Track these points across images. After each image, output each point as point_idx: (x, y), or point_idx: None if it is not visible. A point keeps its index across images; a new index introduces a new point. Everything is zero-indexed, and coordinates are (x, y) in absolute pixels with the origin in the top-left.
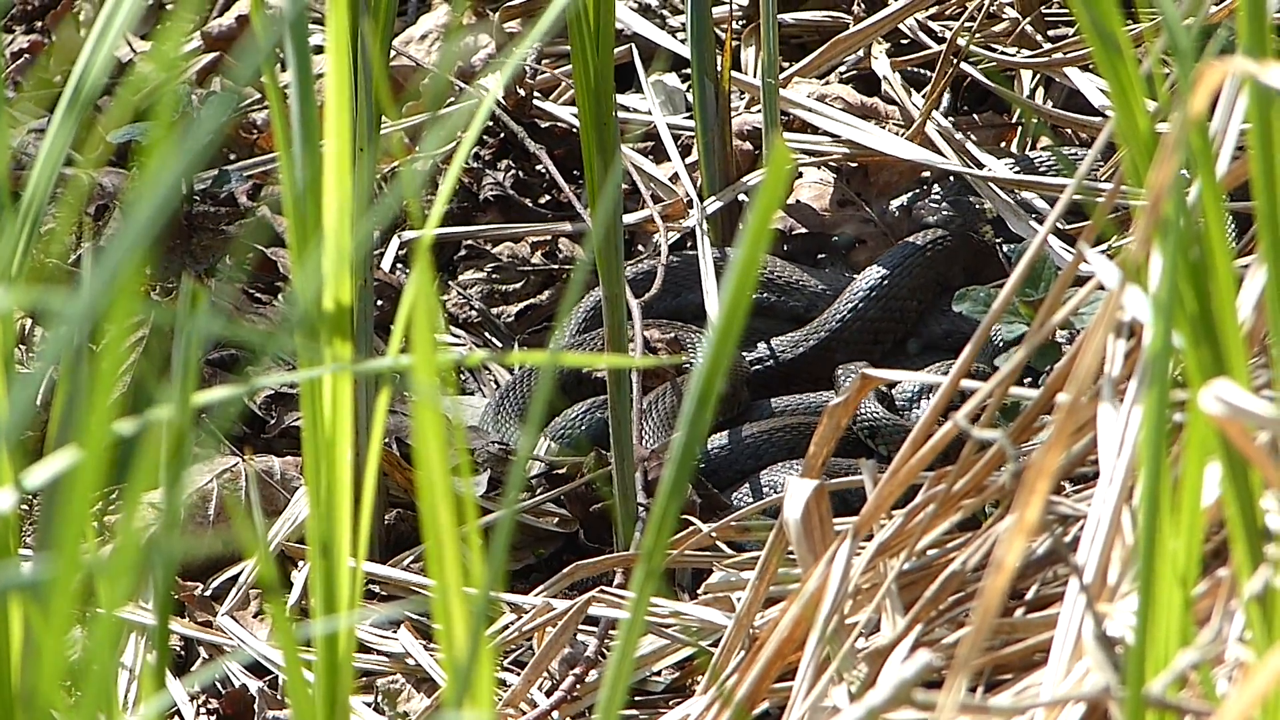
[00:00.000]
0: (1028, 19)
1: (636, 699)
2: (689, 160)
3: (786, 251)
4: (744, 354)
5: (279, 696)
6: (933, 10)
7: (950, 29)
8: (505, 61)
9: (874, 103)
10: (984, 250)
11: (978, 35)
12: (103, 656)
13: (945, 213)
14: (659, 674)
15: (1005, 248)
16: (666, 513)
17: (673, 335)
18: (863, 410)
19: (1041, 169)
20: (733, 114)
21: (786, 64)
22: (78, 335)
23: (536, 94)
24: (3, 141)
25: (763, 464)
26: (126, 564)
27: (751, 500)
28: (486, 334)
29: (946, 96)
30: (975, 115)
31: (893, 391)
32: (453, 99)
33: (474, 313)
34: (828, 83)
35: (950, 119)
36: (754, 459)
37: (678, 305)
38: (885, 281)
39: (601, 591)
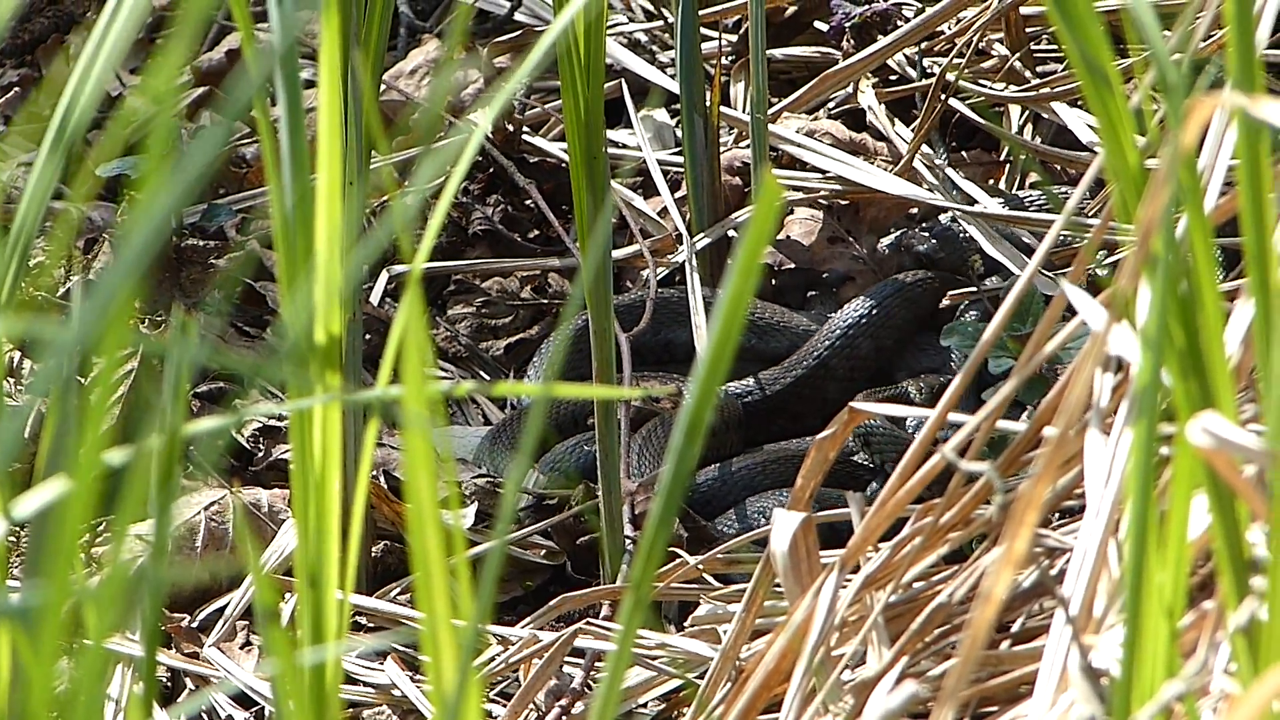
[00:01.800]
0: (1016, 55)
1: None
2: (678, 195)
3: (775, 286)
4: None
5: None
6: (922, 46)
7: (939, 65)
8: (494, 96)
9: (863, 138)
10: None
11: (966, 71)
12: (91, 687)
13: (934, 242)
14: (645, 706)
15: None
16: (654, 545)
17: (675, 388)
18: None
19: (1030, 209)
20: (722, 149)
21: (775, 99)
22: (67, 366)
23: (526, 129)
24: None
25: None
26: (115, 594)
27: (736, 525)
28: (475, 368)
29: (934, 133)
30: (964, 152)
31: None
32: (442, 133)
33: (462, 347)
34: (816, 118)
35: (939, 155)
36: (746, 491)
37: (657, 342)
38: (868, 316)
39: (588, 623)
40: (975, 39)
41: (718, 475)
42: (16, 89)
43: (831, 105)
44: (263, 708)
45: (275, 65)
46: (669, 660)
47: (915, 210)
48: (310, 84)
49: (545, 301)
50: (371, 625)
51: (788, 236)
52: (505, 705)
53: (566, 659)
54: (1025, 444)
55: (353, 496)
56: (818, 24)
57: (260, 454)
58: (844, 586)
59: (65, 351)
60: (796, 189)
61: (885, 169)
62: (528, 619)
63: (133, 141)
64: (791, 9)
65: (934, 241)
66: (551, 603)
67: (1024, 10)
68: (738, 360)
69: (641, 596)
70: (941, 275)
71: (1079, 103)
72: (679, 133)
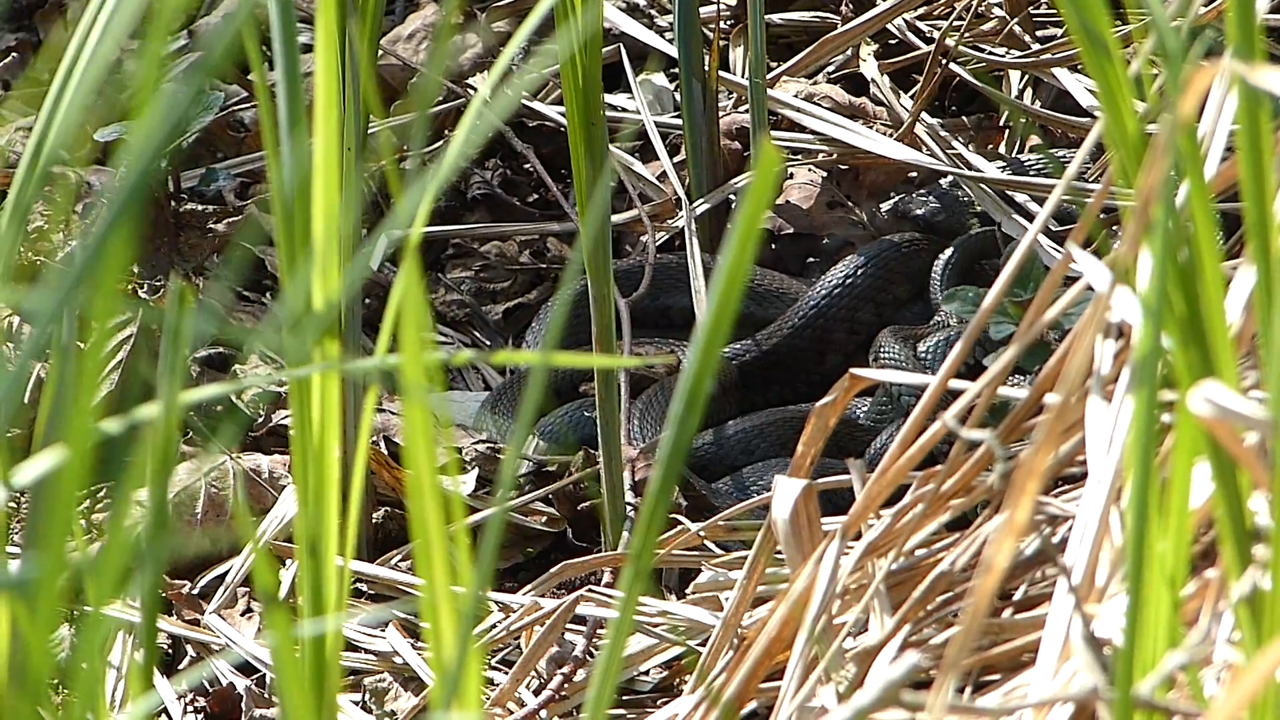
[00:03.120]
0: (1016, 19)
1: (624, 698)
2: (677, 160)
3: (775, 252)
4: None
5: (266, 695)
6: (921, 10)
7: (939, 29)
8: (494, 61)
9: (862, 102)
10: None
11: (965, 35)
12: (93, 656)
13: (932, 204)
14: (647, 673)
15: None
16: (655, 512)
17: (670, 351)
18: (883, 353)
19: (1030, 173)
20: (721, 114)
21: (774, 64)
22: (65, 330)
23: (524, 93)
24: None
25: (753, 460)
26: (119, 562)
27: (733, 489)
28: (475, 332)
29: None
30: (963, 117)
31: (917, 348)
32: (441, 98)
33: (461, 311)
34: (816, 82)
35: (938, 120)
36: (743, 455)
37: (655, 308)
38: (859, 273)
39: (589, 591)
40: (974, 3)
41: (714, 439)
42: (14, 54)
43: (831, 69)
44: (264, 674)
45: (273, 29)
46: (670, 628)
47: (915, 174)
48: (307, 48)
49: (544, 266)
50: (372, 592)
51: (786, 201)
52: (506, 672)
53: (568, 626)
54: (1026, 411)
55: (352, 463)
56: None
57: (260, 419)
58: (845, 554)
59: (50, 311)
60: (795, 153)
61: (884, 133)
62: (529, 586)
63: (131, 106)
64: None
65: (933, 204)
66: (552, 570)
67: None
68: (736, 327)
69: (643, 564)
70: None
71: (1079, 68)
72: (678, 97)
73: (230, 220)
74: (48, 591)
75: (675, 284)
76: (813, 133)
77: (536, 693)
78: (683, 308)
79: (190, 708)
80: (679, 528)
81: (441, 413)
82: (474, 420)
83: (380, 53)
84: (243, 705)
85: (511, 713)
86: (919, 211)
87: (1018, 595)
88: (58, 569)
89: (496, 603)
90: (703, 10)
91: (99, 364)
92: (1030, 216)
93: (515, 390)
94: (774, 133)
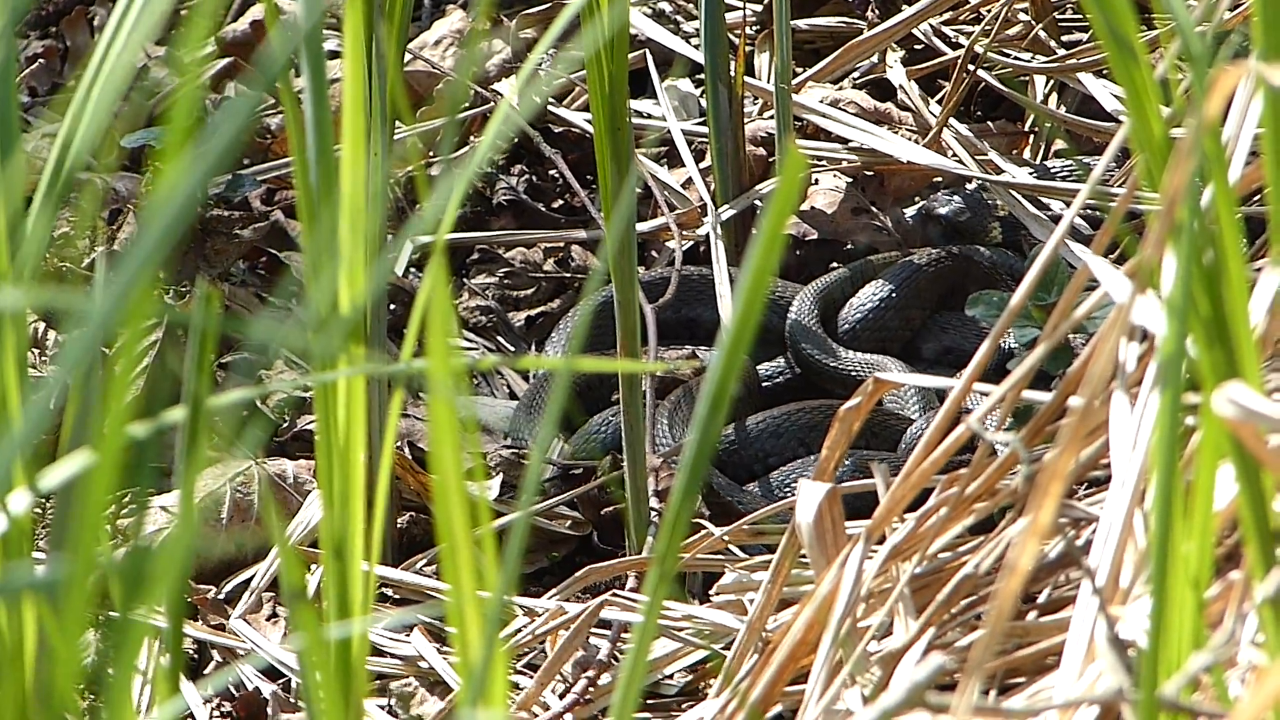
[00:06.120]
0: (1041, 24)
1: (649, 702)
2: (702, 166)
3: (799, 259)
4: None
5: (292, 700)
6: (946, 16)
7: (964, 34)
8: (520, 67)
9: (887, 108)
10: (983, 274)
11: (991, 41)
12: (123, 661)
13: (956, 204)
14: (672, 677)
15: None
16: (679, 517)
17: (689, 353)
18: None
19: (1057, 178)
20: (746, 119)
21: (800, 69)
22: (95, 338)
23: (550, 99)
24: (18, 146)
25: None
26: (154, 567)
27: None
28: (498, 338)
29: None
30: (989, 122)
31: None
32: (468, 104)
33: (485, 318)
34: (841, 88)
35: (965, 125)
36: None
37: (679, 320)
38: (890, 295)
39: (614, 595)
40: (1001, 9)
41: (734, 436)
42: (41, 60)
43: (856, 75)
44: (289, 679)
45: (300, 37)
46: (695, 631)
47: (940, 179)
48: (335, 55)
49: (567, 275)
50: (397, 597)
51: (811, 207)
52: (532, 676)
53: (593, 630)
54: (1050, 414)
55: (377, 467)
56: None
57: (285, 424)
58: (870, 558)
59: (96, 322)
60: (821, 159)
61: (910, 139)
62: (554, 590)
63: (157, 112)
64: None
65: (957, 203)
66: (577, 574)
67: None
68: (758, 339)
69: (667, 568)
70: (960, 249)
71: (1104, 72)
72: (703, 103)
73: (256, 226)
74: (76, 595)
75: (702, 296)
76: (838, 138)
77: (561, 696)
78: (709, 320)
79: (216, 712)
80: (703, 532)
81: (467, 417)
82: (510, 424)
83: (407, 58)
84: (269, 710)
85: (537, 716)
86: (942, 211)
87: (1042, 598)
88: (86, 573)
89: (521, 607)
90: (729, 16)
91: (128, 369)
92: (1057, 220)
93: (547, 394)
94: (799, 139)
